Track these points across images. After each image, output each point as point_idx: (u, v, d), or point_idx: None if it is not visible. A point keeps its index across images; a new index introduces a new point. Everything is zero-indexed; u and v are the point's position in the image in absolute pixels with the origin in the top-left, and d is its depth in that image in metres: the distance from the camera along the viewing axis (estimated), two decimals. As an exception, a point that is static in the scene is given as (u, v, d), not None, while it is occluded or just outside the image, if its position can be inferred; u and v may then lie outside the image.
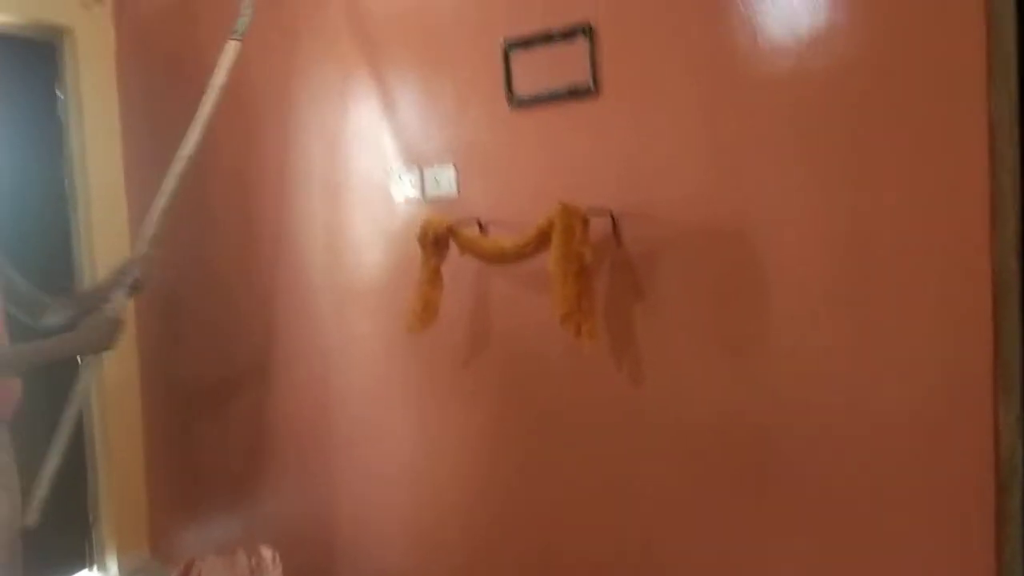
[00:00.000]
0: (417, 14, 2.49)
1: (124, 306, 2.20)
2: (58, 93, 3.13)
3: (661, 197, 2.08)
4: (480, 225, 2.36)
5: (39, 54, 3.08)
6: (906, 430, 1.76)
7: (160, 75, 3.17)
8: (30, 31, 3.05)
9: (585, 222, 2.01)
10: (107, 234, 3.17)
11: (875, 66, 1.76)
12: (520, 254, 2.11)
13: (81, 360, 2.17)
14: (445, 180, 2.46)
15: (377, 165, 2.64)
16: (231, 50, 2.43)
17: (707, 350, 2.03)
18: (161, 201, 2.37)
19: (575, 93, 2.18)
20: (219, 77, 2.40)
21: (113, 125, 3.23)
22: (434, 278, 2.23)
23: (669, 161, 2.07)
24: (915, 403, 1.74)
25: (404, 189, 2.56)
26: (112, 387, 3.23)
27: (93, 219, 3.12)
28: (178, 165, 2.37)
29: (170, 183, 2.37)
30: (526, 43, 2.24)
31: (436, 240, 2.21)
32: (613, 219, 2.12)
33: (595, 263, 2.09)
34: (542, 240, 2.07)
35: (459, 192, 2.45)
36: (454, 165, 2.45)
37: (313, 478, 2.94)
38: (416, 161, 2.53)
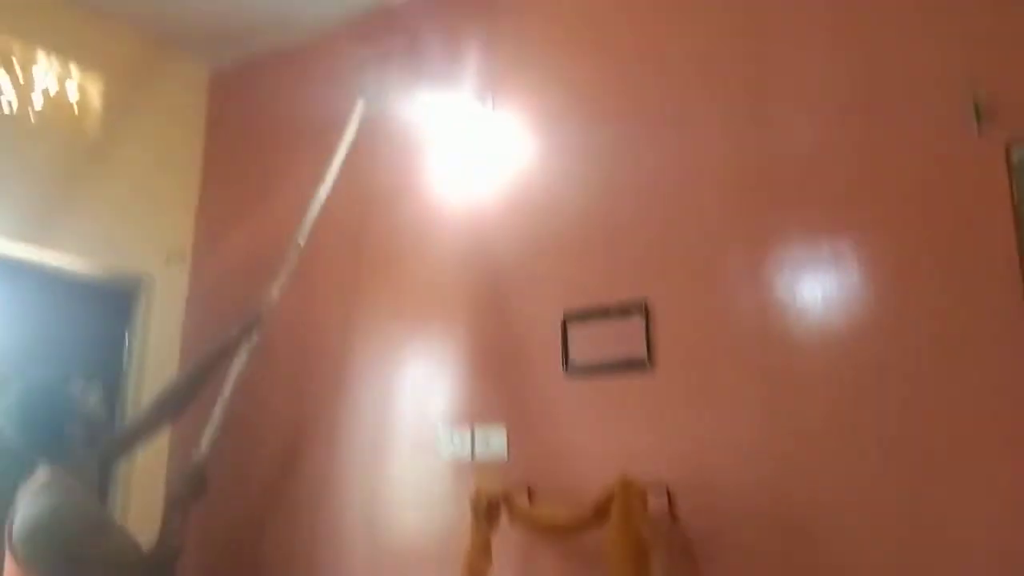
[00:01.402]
0: (478, 280, 2.65)
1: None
2: (126, 338, 3.28)
3: (718, 473, 2.06)
4: (530, 492, 2.31)
5: (115, 300, 3.29)
6: None
7: (223, 328, 3.32)
8: (112, 280, 3.27)
9: (644, 498, 1.97)
10: (144, 474, 3.13)
11: (927, 335, 1.82)
12: (576, 528, 2.04)
13: None
14: (496, 441, 2.46)
15: (425, 421, 2.65)
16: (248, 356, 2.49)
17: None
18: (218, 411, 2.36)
19: (630, 365, 2.24)
20: (237, 368, 2.44)
21: (171, 373, 3.34)
22: (485, 549, 2.14)
23: (725, 437, 2.07)
24: None
25: (452, 447, 2.55)
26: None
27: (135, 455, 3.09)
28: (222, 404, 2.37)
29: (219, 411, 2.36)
30: (584, 316, 2.36)
31: (489, 508, 2.15)
32: (669, 494, 2.08)
33: (653, 542, 2.01)
34: (599, 513, 2.01)
35: (509, 454, 2.43)
36: (506, 427, 2.46)
37: None
38: (466, 420, 2.55)
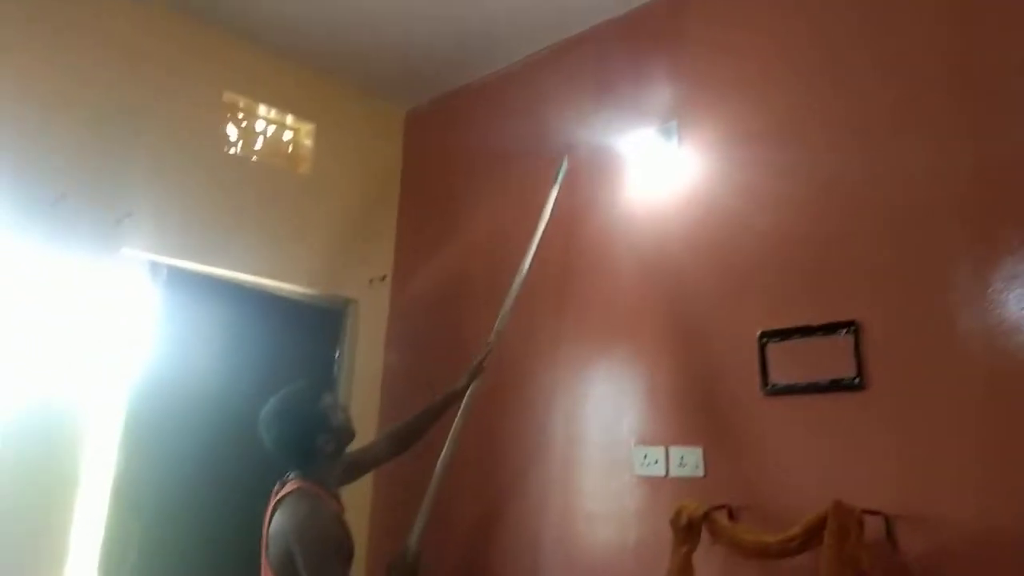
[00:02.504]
0: (668, 301, 2.67)
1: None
2: (336, 353, 3.60)
3: (937, 502, 1.94)
4: (730, 512, 2.28)
5: (327, 320, 3.62)
6: None
7: (420, 345, 3.56)
8: (325, 301, 3.62)
9: (861, 523, 1.89)
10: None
11: None
12: (783, 551, 1.99)
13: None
14: (691, 460, 2.45)
15: (617, 439, 2.68)
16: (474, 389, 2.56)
17: None
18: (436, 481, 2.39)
19: (838, 385, 2.16)
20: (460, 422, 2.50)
21: (375, 382, 3.62)
22: (686, 567, 2.14)
23: (945, 464, 1.95)
24: None
25: (646, 465, 2.56)
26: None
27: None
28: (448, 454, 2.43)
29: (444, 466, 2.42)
30: (783, 335, 2.31)
31: (690, 525, 2.15)
32: (887, 521, 1.98)
33: (870, 569, 1.92)
34: (809, 537, 1.95)
35: (705, 473, 2.42)
36: (702, 447, 2.45)
37: None
38: (660, 439, 2.56)
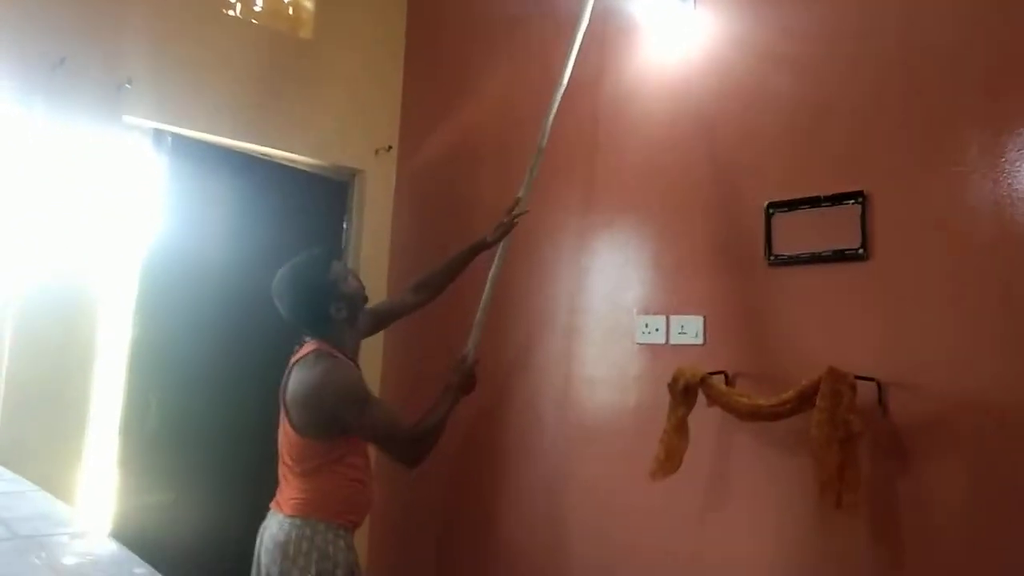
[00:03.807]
0: (676, 170, 2.63)
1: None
2: (344, 223, 3.62)
3: (934, 371, 1.98)
4: (727, 377, 2.35)
5: (334, 191, 3.61)
6: None
7: (428, 216, 3.57)
8: (331, 172, 3.59)
9: (853, 388, 1.95)
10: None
11: None
12: (776, 414, 2.06)
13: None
14: (692, 329, 2.50)
15: (619, 308, 2.73)
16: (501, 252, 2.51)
17: (981, 552, 1.83)
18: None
19: (841, 256, 2.17)
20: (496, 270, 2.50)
21: (383, 252, 3.66)
22: (681, 427, 2.23)
23: (946, 335, 1.98)
24: None
25: (647, 334, 2.62)
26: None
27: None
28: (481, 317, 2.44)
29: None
30: (791, 205, 2.29)
31: (687, 389, 2.22)
32: (879, 387, 2.03)
33: (860, 432, 1.99)
34: (802, 401, 2.02)
35: (705, 341, 2.47)
36: (703, 315, 2.49)
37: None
38: (663, 308, 2.60)
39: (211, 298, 3.10)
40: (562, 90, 2.58)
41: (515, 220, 2.50)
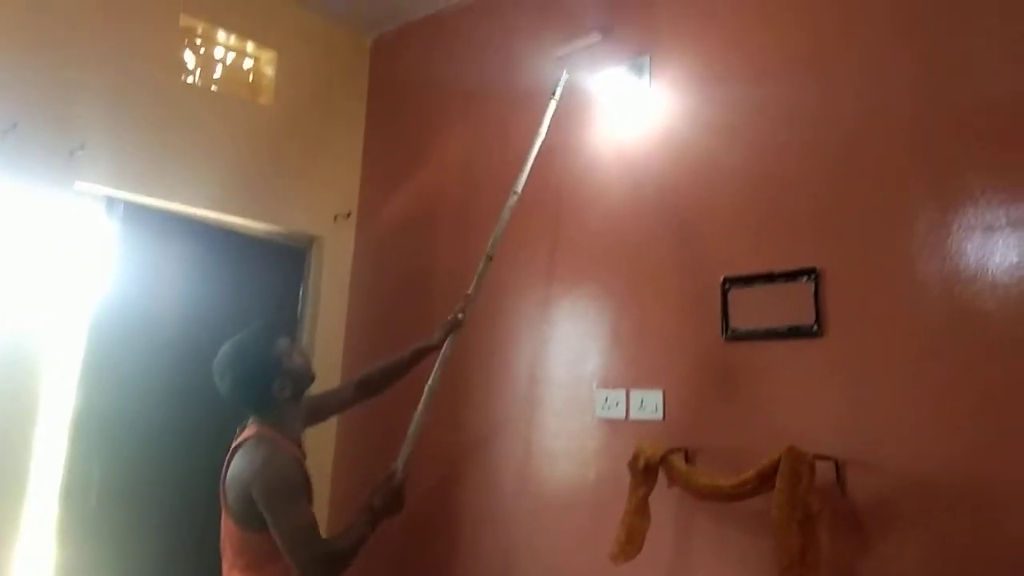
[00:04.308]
0: (634, 244, 2.64)
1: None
2: (300, 291, 3.56)
3: (891, 447, 1.98)
4: (687, 454, 2.33)
5: (291, 257, 3.56)
6: None
7: (386, 285, 3.52)
8: (288, 239, 3.55)
9: (812, 468, 1.93)
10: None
11: None
12: (736, 495, 2.04)
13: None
14: (651, 403, 2.48)
15: (579, 381, 2.70)
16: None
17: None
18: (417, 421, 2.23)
19: (796, 332, 2.18)
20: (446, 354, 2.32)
21: (340, 320, 3.59)
22: (642, 508, 2.18)
23: (900, 410, 1.99)
24: None
25: (607, 407, 2.59)
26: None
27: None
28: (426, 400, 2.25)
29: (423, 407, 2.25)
30: (746, 281, 2.31)
31: (647, 468, 2.19)
32: (837, 465, 2.03)
33: (819, 512, 1.97)
34: (762, 481, 2.00)
35: (665, 416, 2.45)
36: (662, 390, 2.47)
37: None
38: (622, 381, 2.58)
39: (161, 367, 3.00)
40: (515, 199, 2.48)
41: (460, 318, 2.33)
